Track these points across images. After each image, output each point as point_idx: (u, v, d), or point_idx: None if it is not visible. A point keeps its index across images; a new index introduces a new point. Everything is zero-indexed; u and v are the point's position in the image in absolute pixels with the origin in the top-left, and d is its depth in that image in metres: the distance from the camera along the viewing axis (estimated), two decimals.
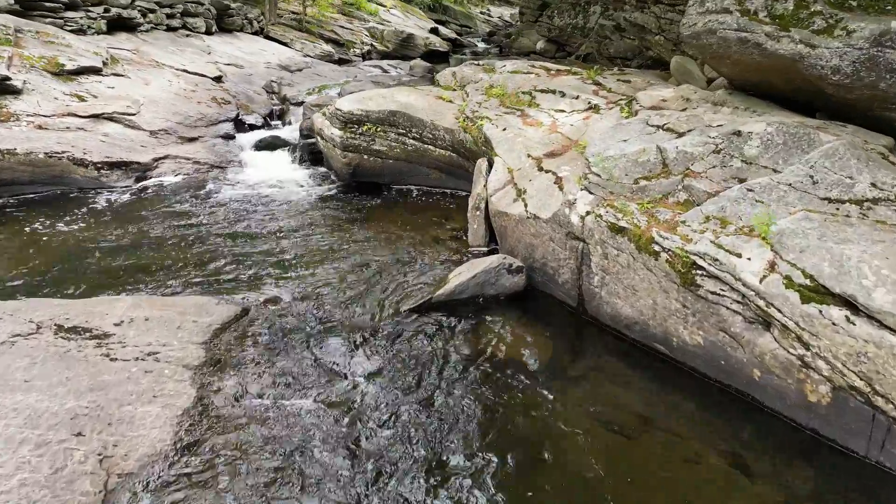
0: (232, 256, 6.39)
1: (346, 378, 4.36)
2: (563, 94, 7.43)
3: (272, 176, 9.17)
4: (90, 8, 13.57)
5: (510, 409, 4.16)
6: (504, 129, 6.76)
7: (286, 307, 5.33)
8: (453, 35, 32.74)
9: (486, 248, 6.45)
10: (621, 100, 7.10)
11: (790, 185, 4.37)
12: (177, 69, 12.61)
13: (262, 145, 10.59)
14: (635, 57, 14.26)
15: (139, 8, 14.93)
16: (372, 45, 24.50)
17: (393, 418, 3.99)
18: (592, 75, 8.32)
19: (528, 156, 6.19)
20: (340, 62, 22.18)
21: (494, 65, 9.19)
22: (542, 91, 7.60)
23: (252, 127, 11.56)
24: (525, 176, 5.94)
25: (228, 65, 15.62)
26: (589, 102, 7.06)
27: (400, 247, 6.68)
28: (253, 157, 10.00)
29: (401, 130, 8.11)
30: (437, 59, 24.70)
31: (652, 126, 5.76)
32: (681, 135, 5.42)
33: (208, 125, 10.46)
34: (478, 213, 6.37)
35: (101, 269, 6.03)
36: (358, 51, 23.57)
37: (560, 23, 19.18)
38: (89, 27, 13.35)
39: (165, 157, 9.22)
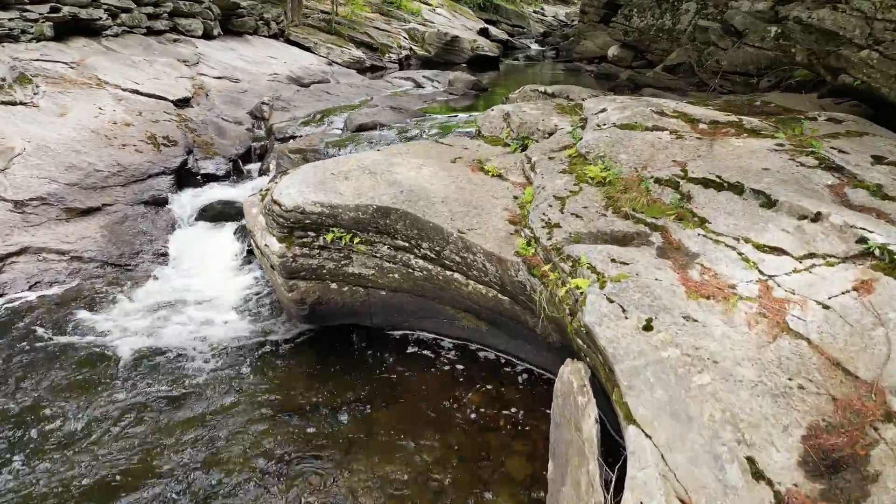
0: None
1: None
2: (764, 200, 3.02)
3: (199, 289, 5.08)
4: (28, 7, 9.80)
5: None
6: (639, 322, 2.40)
7: None
8: (504, 36, 28.18)
9: None
10: None
11: None
12: (123, 90, 8.71)
13: (207, 215, 6.55)
14: (765, 73, 9.58)
15: (106, 6, 11.12)
16: (411, 49, 20.28)
17: None
18: (807, 140, 3.68)
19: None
20: (373, 69, 18.06)
21: (584, 105, 4.81)
22: (704, 182, 3.25)
23: (208, 178, 7.53)
24: None
25: (219, 78, 11.69)
26: (844, 229, 2.69)
27: None
28: (184, 242, 5.97)
29: (400, 242, 3.89)
30: (485, 66, 20.29)
31: None
32: None
33: (127, 183, 6.49)
34: None
35: None
36: (394, 56, 19.38)
37: (640, 24, 14.52)
38: (24, 32, 9.60)
39: (22, 252, 5.29)
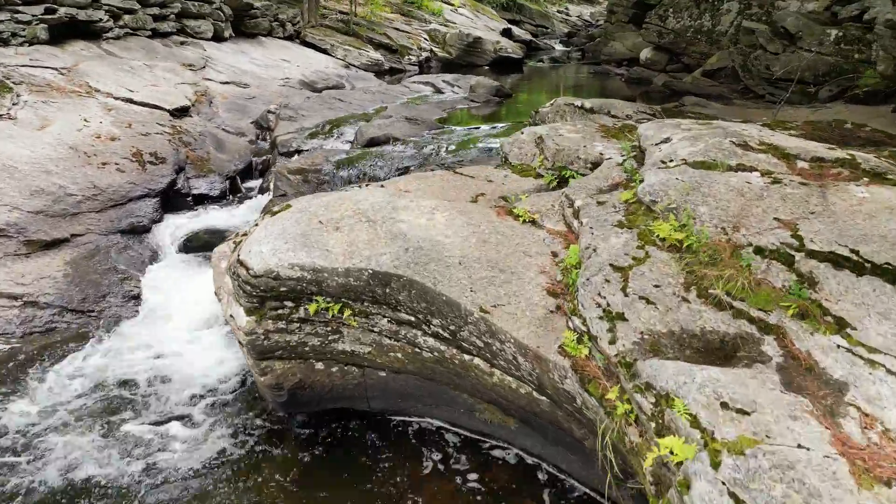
0: None
1: None
2: None
3: (166, 354, 4.13)
4: (20, 8, 9.03)
5: None
6: None
7: None
8: (527, 36, 27.05)
9: None
10: None
11: None
12: (116, 98, 7.88)
13: (192, 246, 5.66)
14: (824, 81, 8.42)
15: (108, 7, 10.33)
16: (431, 50, 19.31)
17: None
18: None
19: None
20: (391, 72, 17.14)
21: (641, 133, 3.73)
22: (832, 258, 2.22)
23: (200, 200, 6.65)
24: None
25: (226, 83, 10.85)
26: None
27: None
28: (162, 280, 5.07)
29: (404, 315, 2.93)
30: (508, 68, 19.24)
31: None
32: None
33: (103, 208, 5.63)
34: None
35: None
36: (413, 58, 18.44)
37: (676, 25, 13.36)
38: (14, 35, 8.83)
39: None
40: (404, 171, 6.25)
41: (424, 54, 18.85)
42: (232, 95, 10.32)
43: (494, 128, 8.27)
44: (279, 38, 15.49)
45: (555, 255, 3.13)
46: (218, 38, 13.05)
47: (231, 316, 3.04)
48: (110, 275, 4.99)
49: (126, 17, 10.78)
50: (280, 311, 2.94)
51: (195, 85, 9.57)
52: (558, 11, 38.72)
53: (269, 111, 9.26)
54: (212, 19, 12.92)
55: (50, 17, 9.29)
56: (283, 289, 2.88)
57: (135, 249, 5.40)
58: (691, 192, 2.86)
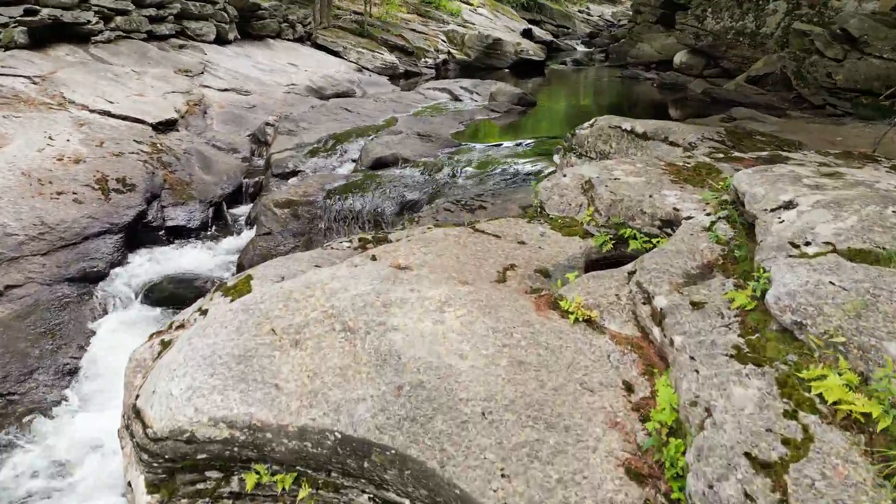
0: None
1: None
2: None
3: (84, 469, 3.14)
4: None
5: None
6: None
7: None
8: (548, 37, 25.76)
9: None
10: None
11: None
12: (91, 111, 6.87)
13: (153, 298, 4.61)
14: None
15: (98, 8, 9.35)
16: (449, 52, 18.16)
17: None
18: None
19: None
20: (407, 76, 16.03)
21: (739, 185, 2.58)
22: None
23: (175, 233, 5.60)
24: None
25: (225, 90, 9.83)
26: None
27: None
28: (110, 345, 4.03)
29: (393, 497, 1.83)
30: (529, 71, 18.02)
31: None
32: None
33: (51, 250, 4.61)
34: None
35: None
36: (430, 60, 17.31)
37: (715, 26, 12.06)
38: None
39: None
40: (412, 206, 5.16)
41: (442, 56, 17.72)
42: (230, 104, 9.29)
43: (519, 145, 7.13)
44: (289, 40, 14.46)
45: (629, 388, 2.00)
46: (221, 40, 12.04)
47: (129, 484, 1.96)
48: (45, 341, 3.96)
49: (118, 18, 9.79)
50: (200, 486, 1.85)
51: (188, 93, 8.54)
52: (579, 11, 37.28)
53: (267, 123, 8.21)
54: (214, 21, 11.92)
55: (30, 19, 8.33)
56: (202, 456, 1.79)
57: (84, 303, 4.37)
58: (865, 312, 1.71)
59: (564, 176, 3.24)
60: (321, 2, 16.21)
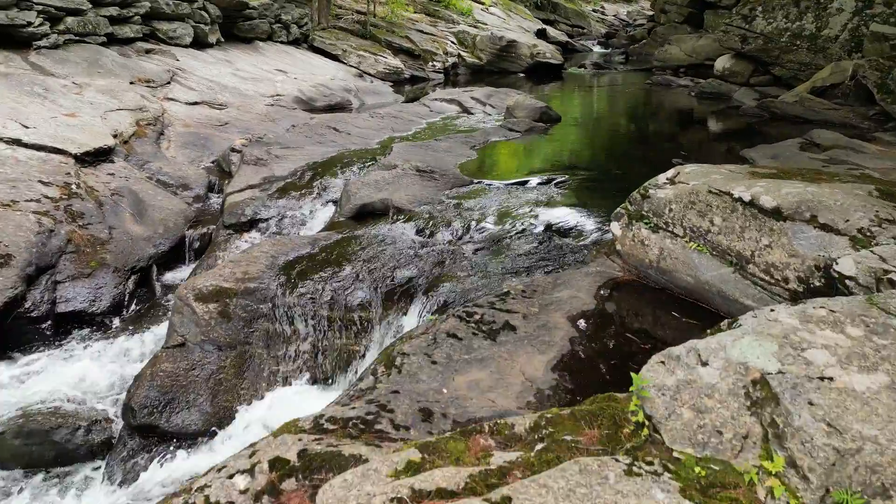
0: None
1: None
2: None
3: None
4: None
5: None
6: None
7: None
8: (563, 37, 23.86)
9: None
10: None
11: None
12: None
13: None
14: None
15: (42, 7, 7.64)
16: (459, 55, 16.33)
17: None
18: None
19: None
20: (412, 81, 14.25)
21: None
22: None
23: (66, 325, 3.88)
24: None
25: (195, 104, 8.09)
26: None
27: None
28: None
29: None
30: (545, 74, 16.16)
31: None
32: None
33: None
34: None
35: None
36: (438, 64, 15.50)
37: (766, 28, 10.15)
38: None
39: None
40: (403, 292, 3.41)
41: (451, 60, 15.90)
42: (198, 121, 7.57)
43: (549, 182, 5.35)
44: (281, 42, 12.72)
45: None
46: (200, 43, 10.32)
47: None
48: None
49: (70, 19, 8.08)
50: None
51: (140, 110, 6.82)
52: (593, 10, 35.24)
53: (232, 149, 6.47)
54: (192, 21, 10.19)
55: None
56: None
57: None
58: None
59: (704, 365, 1.46)
60: (319, 0, 14.44)
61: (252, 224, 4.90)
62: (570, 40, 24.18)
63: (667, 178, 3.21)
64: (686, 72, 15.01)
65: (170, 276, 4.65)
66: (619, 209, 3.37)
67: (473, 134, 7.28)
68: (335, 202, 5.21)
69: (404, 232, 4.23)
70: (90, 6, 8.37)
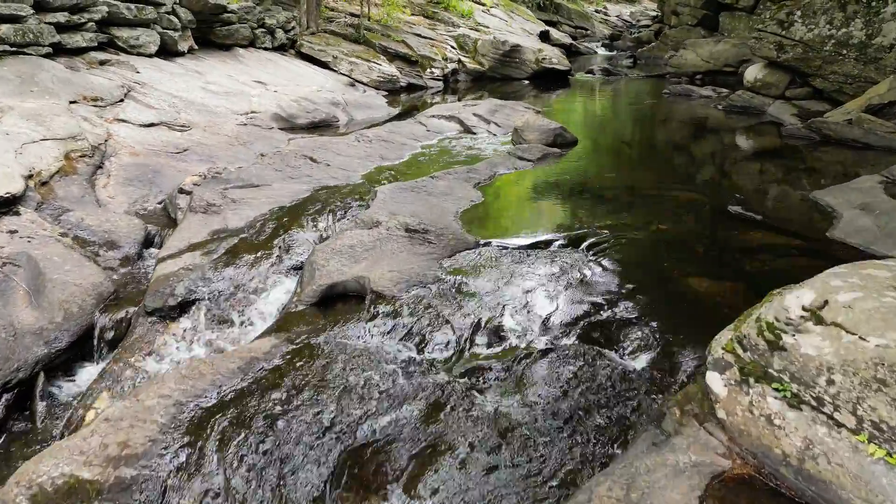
0: None
1: None
2: None
3: None
4: None
5: None
6: None
7: None
8: (567, 39, 22.47)
9: None
10: None
11: None
12: None
13: None
14: None
15: None
16: (459, 61, 14.96)
17: None
18: None
19: None
20: (409, 89, 12.90)
21: None
22: None
23: None
24: None
25: (151, 126, 6.75)
26: None
27: None
28: None
29: None
30: (551, 80, 14.80)
31: None
32: None
33: None
34: None
35: None
36: (437, 71, 14.13)
37: (807, 34, 8.79)
38: None
39: None
40: (371, 479, 2.08)
41: (451, 66, 14.53)
42: (150, 148, 6.24)
43: (581, 241, 4.02)
44: (265, 48, 11.36)
45: None
46: (168, 52, 8.98)
47: None
48: None
49: (4, 27, 6.74)
50: None
51: (74, 139, 5.49)
52: (596, 11, 33.77)
53: (181, 189, 5.13)
54: (159, 27, 8.84)
55: None
56: None
57: None
58: None
59: None
60: (308, 2, 13.06)
61: (183, 308, 3.58)
62: (573, 42, 22.80)
63: (806, 310, 1.88)
64: (703, 79, 13.66)
65: (66, 388, 3.33)
66: (718, 349, 2.04)
67: (477, 166, 5.95)
68: (298, 269, 3.89)
69: (383, 342, 2.91)
70: (32, 12, 7.03)
